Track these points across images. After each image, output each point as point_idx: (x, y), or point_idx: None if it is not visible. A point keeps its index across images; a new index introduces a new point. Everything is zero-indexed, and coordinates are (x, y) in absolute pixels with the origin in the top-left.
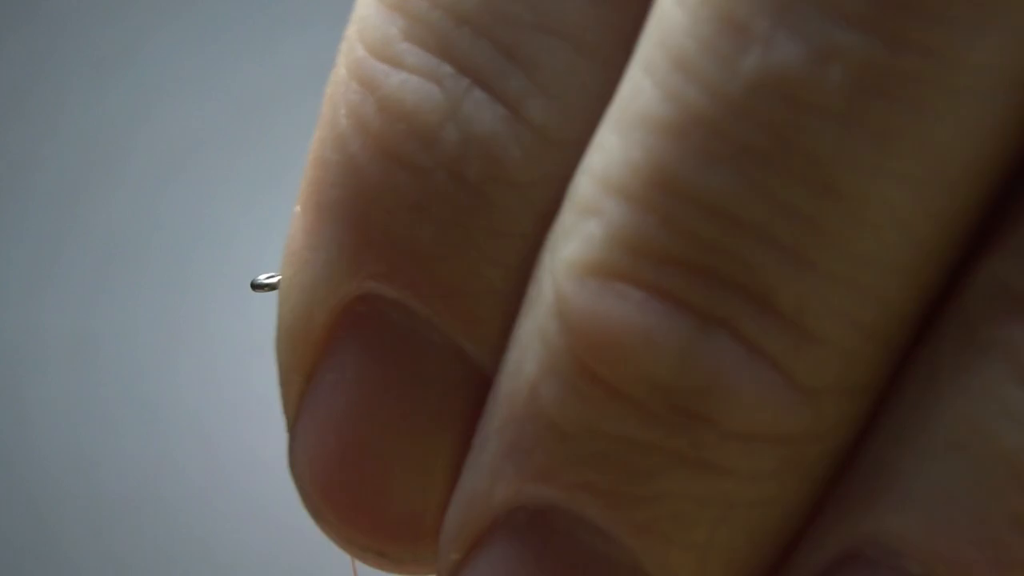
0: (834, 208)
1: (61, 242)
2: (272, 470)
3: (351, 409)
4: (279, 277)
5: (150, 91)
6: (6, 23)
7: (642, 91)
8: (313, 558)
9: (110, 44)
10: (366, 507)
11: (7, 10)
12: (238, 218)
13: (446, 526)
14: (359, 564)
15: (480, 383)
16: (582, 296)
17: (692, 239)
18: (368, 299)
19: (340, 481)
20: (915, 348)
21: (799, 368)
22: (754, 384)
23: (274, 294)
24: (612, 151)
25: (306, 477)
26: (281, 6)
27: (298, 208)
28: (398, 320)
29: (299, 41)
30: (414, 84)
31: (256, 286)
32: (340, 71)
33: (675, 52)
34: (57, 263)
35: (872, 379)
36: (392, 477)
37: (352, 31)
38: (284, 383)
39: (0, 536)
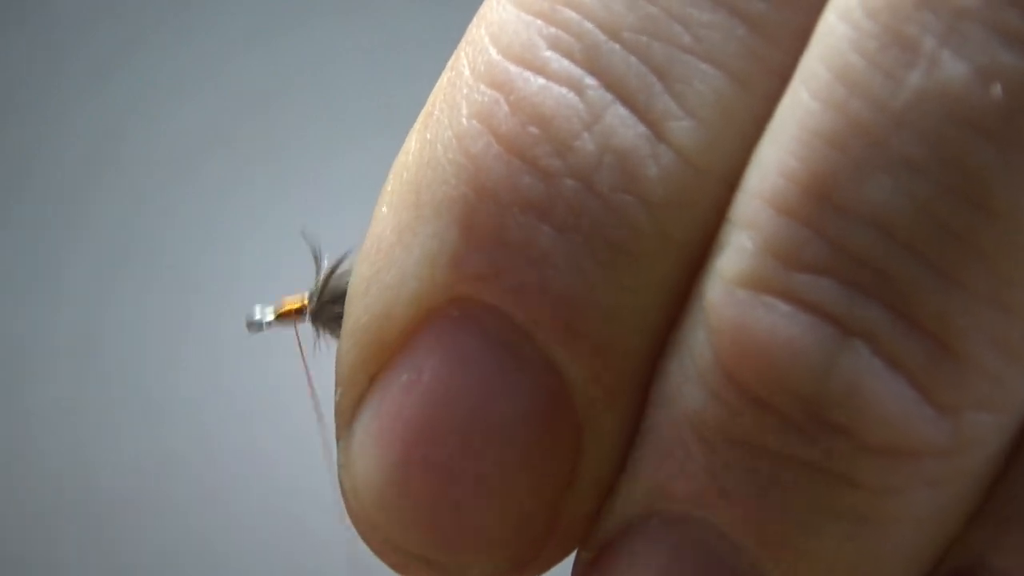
0: (985, 226)
1: (64, 241)
2: (274, 471)
3: (422, 412)
4: (271, 316)
5: (153, 89)
6: (7, 23)
7: (801, 103)
8: (314, 558)
9: (114, 41)
10: (424, 513)
11: (7, 10)
12: (242, 218)
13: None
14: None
15: (564, 402)
16: (731, 307)
17: (841, 250)
18: (462, 302)
19: (399, 485)
20: None
21: (937, 385)
22: (890, 397)
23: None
24: (767, 163)
25: (360, 477)
26: (282, 3)
27: (385, 208)
28: (491, 327)
29: (302, 39)
30: (554, 91)
31: (252, 325)
32: (462, 73)
33: (838, 65)
34: (60, 263)
35: (1016, 402)
36: (455, 487)
37: (480, 33)
38: (345, 382)
39: (1, 536)
